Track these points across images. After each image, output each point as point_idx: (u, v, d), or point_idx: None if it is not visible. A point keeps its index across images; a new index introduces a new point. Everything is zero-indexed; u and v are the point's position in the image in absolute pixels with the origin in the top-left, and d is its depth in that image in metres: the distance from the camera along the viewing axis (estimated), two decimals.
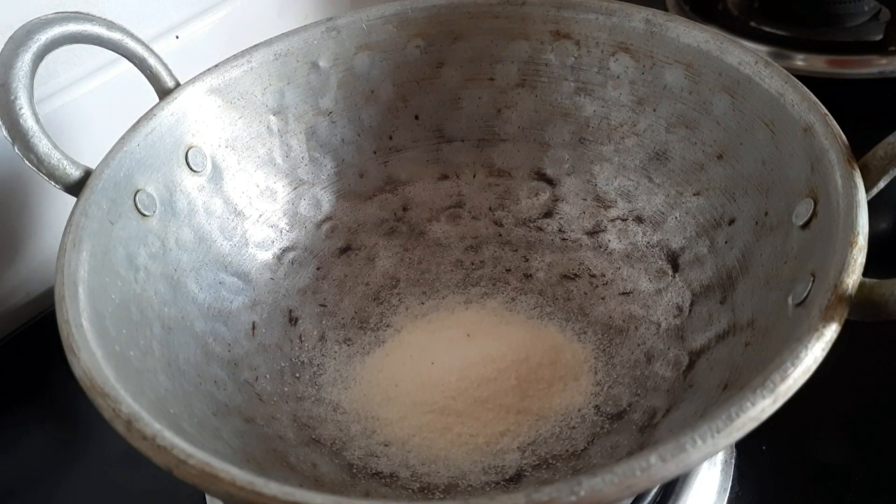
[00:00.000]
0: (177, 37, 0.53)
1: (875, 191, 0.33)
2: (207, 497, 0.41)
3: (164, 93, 0.43)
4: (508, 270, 0.48)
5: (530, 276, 0.48)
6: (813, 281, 0.31)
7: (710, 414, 0.26)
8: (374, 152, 0.50)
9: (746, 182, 0.40)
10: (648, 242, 0.45)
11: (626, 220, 0.47)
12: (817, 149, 0.34)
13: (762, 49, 0.59)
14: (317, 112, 0.48)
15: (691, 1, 0.70)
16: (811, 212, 0.34)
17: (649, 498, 0.37)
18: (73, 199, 0.37)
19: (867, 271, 0.29)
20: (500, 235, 0.50)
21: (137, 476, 0.42)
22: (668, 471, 0.25)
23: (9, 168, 0.47)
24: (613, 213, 0.47)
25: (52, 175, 0.38)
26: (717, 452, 0.25)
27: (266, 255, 0.47)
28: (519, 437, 0.39)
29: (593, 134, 0.48)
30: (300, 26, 0.47)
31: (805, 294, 0.31)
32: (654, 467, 0.24)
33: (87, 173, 0.38)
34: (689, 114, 0.43)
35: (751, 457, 0.40)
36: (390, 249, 0.50)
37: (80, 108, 0.49)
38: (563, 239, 0.48)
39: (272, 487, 0.25)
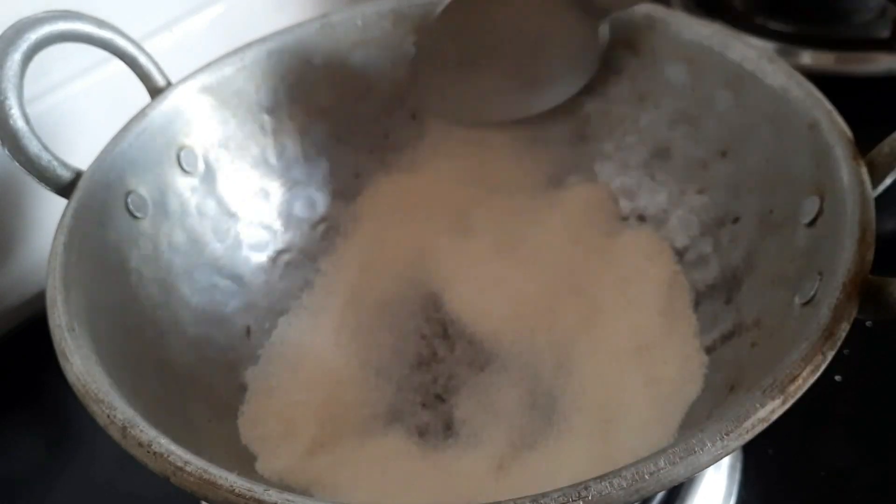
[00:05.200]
0: (172, 33, 0.53)
1: (882, 187, 0.32)
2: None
3: (155, 92, 0.42)
4: None
5: None
6: (820, 279, 0.31)
7: (718, 415, 0.25)
8: (370, 151, 0.49)
9: (751, 179, 0.40)
10: None
11: (627, 219, 0.46)
12: (823, 145, 0.34)
13: (768, 45, 0.59)
14: (311, 110, 0.48)
15: None
16: (817, 209, 0.33)
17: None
18: (66, 200, 0.37)
19: (874, 268, 0.29)
20: None
21: (132, 481, 0.42)
22: (677, 474, 0.24)
23: (0, 168, 0.46)
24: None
25: (43, 177, 0.37)
26: (726, 455, 0.25)
27: (260, 257, 0.47)
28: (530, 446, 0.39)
29: (594, 131, 0.47)
30: (294, 23, 0.47)
31: (812, 293, 0.31)
32: (663, 470, 0.24)
33: (78, 175, 0.38)
34: (691, 110, 0.43)
35: (757, 461, 0.40)
36: None
37: (74, 106, 0.49)
38: None
39: (272, 494, 0.25)
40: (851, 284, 0.28)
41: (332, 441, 0.39)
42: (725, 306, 0.39)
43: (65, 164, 0.38)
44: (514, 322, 0.43)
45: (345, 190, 0.49)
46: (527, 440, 0.38)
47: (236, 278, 0.45)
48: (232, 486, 0.25)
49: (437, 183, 0.49)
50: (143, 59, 0.42)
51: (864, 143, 0.33)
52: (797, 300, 0.32)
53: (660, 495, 0.37)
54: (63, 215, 0.36)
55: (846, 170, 0.32)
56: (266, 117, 0.47)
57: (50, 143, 0.37)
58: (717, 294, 0.40)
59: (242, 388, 0.41)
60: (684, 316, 0.41)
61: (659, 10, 0.43)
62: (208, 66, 0.44)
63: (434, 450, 0.38)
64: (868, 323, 0.41)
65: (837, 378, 0.42)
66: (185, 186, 0.43)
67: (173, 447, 0.27)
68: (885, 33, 0.58)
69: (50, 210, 0.46)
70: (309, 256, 0.48)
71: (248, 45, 0.45)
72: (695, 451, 0.24)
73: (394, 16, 0.47)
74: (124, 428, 0.27)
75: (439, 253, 0.46)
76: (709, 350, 0.39)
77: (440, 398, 0.41)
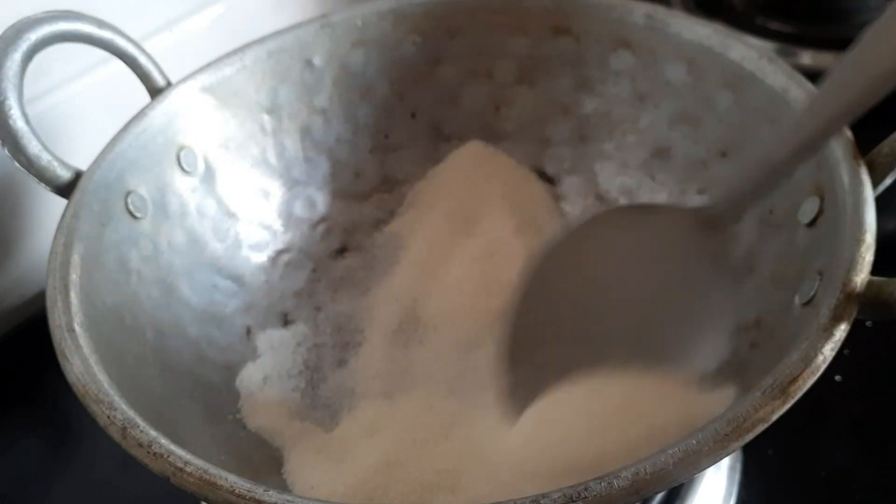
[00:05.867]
0: (172, 33, 0.53)
1: (882, 187, 0.32)
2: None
3: (155, 92, 0.42)
4: None
5: None
6: (820, 280, 0.31)
7: (719, 415, 0.25)
8: (370, 151, 0.49)
9: None
10: None
11: None
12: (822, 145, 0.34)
13: (768, 45, 0.59)
14: (311, 110, 0.48)
15: None
16: (817, 209, 0.33)
17: None
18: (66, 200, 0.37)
19: (874, 269, 0.29)
20: None
21: (132, 481, 0.42)
22: (678, 474, 0.24)
23: (1, 167, 0.46)
24: None
25: (43, 177, 0.37)
26: (727, 455, 0.25)
27: (260, 257, 0.47)
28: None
29: (594, 131, 0.47)
30: (294, 23, 0.46)
31: (812, 293, 0.31)
32: (664, 471, 0.24)
33: (78, 175, 0.38)
34: (691, 110, 0.43)
35: (757, 461, 0.40)
36: None
37: (74, 106, 0.49)
38: None
39: (272, 495, 0.25)
40: (851, 284, 0.28)
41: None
42: None
43: (64, 164, 0.37)
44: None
45: (346, 190, 0.49)
46: None
47: (236, 278, 0.45)
48: (232, 486, 0.25)
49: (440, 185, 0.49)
50: (142, 60, 0.42)
51: (864, 143, 0.33)
52: (797, 300, 0.32)
53: (660, 495, 0.37)
54: (63, 215, 0.36)
55: (846, 170, 0.32)
56: (266, 117, 0.47)
57: (50, 143, 0.37)
58: None
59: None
60: None
61: (659, 10, 0.43)
62: (208, 66, 0.44)
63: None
64: (868, 323, 0.41)
65: (837, 378, 0.42)
66: (184, 187, 0.43)
67: (173, 448, 0.27)
68: None
69: (50, 210, 0.46)
70: (309, 257, 0.48)
71: (248, 46, 0.45)
72: (694, 452, 0.24)
73: (394, 16, 0.47)
74: (124, 428, 0.27)
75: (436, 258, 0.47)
76: None
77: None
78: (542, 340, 0.37)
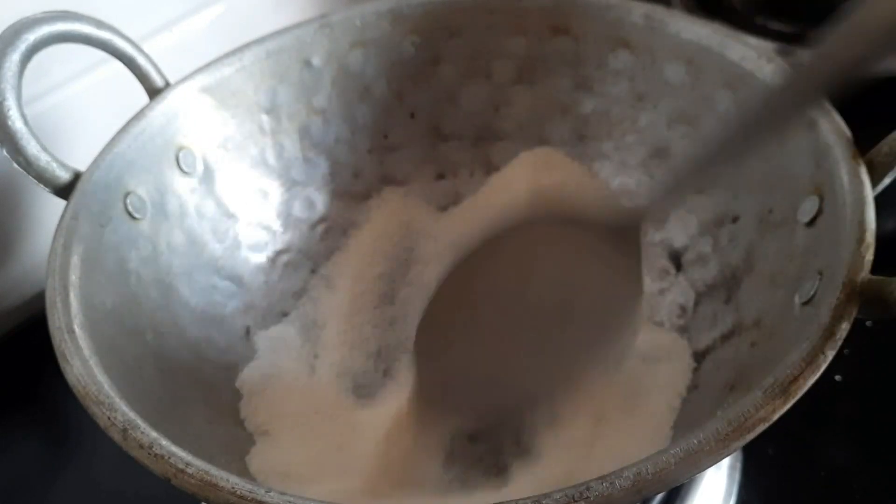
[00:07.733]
0: (171, 33, 0.53)
1: (881, 187, 0.32)
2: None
3: (154, 93, 0.42)
4: None
5: None
6: (820, 279, 0.31)
7: (720, 415, 0.25)
8: (369, 151, 0.49)
9: (750, 179, 0.39)
10: (650, 241, 0.45)
11: None
12: (822, 145, 0.34)
13: (768, 45, 0.59)
14: (310, 111, 0.48)
15: None
16: (817, 208, 0.33)
17: None
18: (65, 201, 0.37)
19: (874, 268, 0.29)
20: None
21: (132, 482, 0.42)
22: (679, 474, 0.24)
23: (0, 168, 0.46)
24: None
25: (41, 178, 0.37)
26: (728, 454, 0.25)
27: (259, 258, 0.46)
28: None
29: (593, 131, 0.47)
30: (293, 24, 0.46)
31: (812, 292, 0.31)
32: (665, 471, 0.24)
33: (77, 176, 0.38)
34: (690, 110, 0.43)
35: (757, 461, 0.40)
36: None
37: (73, 106, 0.49)
38: None
39: (273, 496, 0.25)
40: (851, 284, 0.28)
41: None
42: (725, 306, 0.39)
43: (63, 165, 0.37)
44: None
45: (345, 191, 0.49)
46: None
47: (235, 279, 0.45)
48: (233, 487, 0.25)
49: None
50: (141, 60, 0.41)
51: (864, 143, 0.33)
52: (797, 300, 0.32)
53: (660, 495, 0.37)
54: (62, 217, 0.36)
55: (846, 169, 0.32)
56: (265, 117, 0.46)
57: (49, 143, 0.37)
58: (716, 294, 0.40)
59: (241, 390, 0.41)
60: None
61: (658, 11, 0.43)
62: (207, 66, 0.44)
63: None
64: (868, 323, 0.41)
65: (837, 378, 0.42)
66: (183, 187, 0.43)
67: (174, 449, 0.27)
68: None
69: (50, 210, 0.46)
70: (308, 257, 0.48)
71: (247, 46, 0.45)
72: (696, 451, 0.24)
73: (392, 16, 0.47)
74: (125, 430, 0.27)
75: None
76: (708, 350, 0.39)
77: None
78: (450, 342, 0.37)
